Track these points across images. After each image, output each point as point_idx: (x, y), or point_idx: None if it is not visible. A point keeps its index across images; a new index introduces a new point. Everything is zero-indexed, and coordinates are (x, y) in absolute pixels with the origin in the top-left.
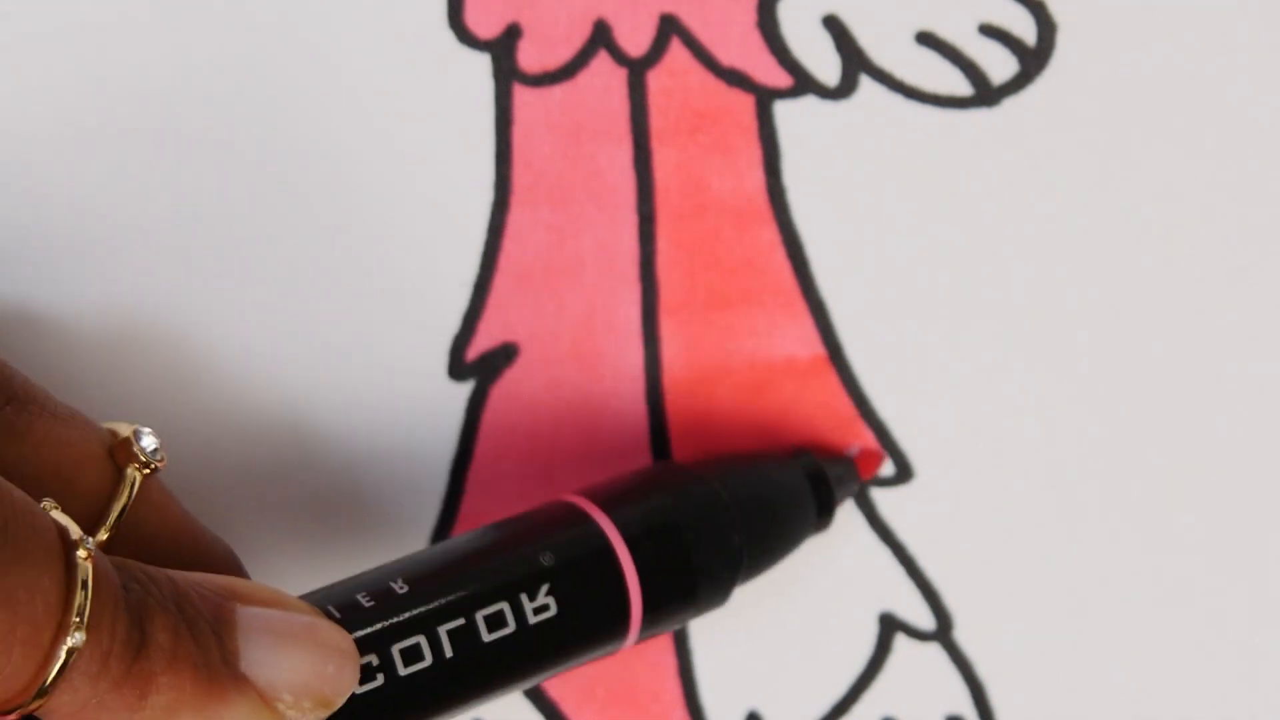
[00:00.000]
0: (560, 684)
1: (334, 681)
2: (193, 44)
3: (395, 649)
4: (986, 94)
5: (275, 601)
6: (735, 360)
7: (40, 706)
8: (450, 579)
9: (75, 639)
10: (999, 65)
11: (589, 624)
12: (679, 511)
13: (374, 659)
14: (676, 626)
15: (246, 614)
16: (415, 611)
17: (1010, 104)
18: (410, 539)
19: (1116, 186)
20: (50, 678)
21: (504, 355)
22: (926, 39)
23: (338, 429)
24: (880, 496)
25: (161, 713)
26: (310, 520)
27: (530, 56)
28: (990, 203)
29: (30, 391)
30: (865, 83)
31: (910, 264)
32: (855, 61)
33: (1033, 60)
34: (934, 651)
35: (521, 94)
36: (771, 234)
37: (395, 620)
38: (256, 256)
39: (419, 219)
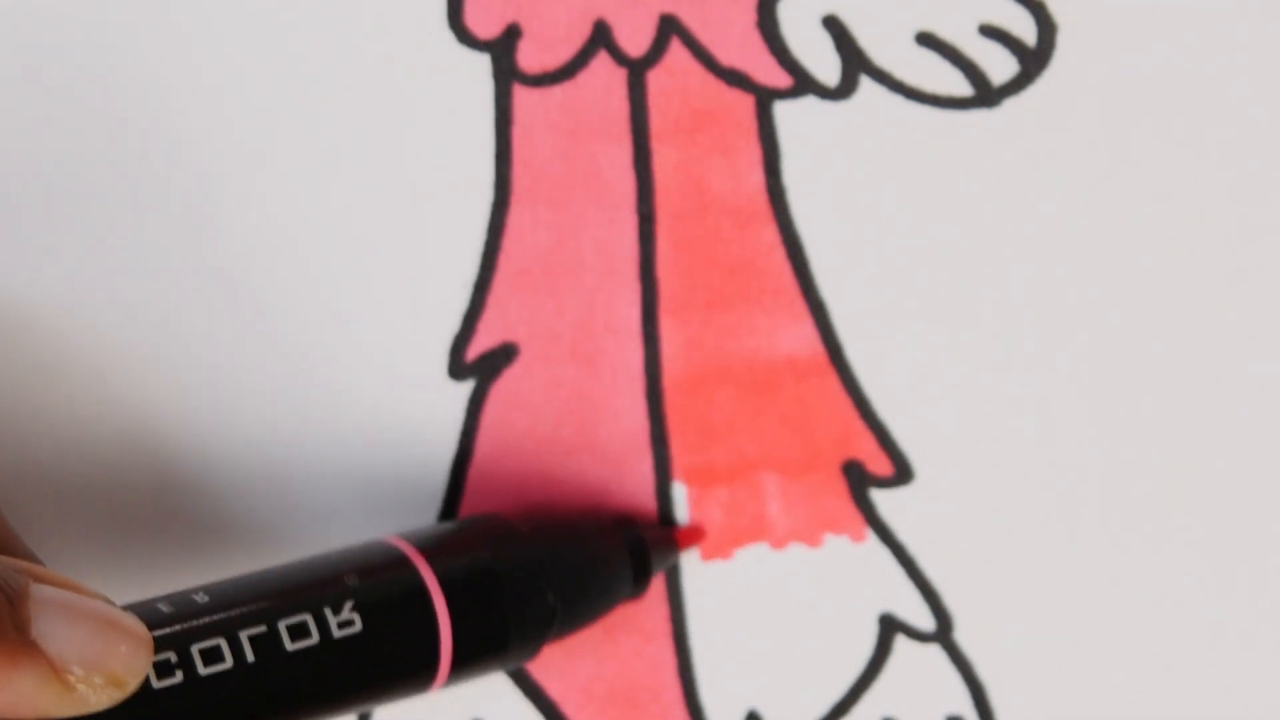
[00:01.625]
0: (560, 683)
1: (126, 661)
2: (190, 40)
3: (195, 648)
4: (987, 94)
5: (71, 585)
6: (735, 360)
7: None
8: (252, 591)
9: None
10: (999, 66)
11: (397, 650)
12: (497, 563)
13: (172, 655)
14: (485, 674)
15: (40, 589)
16: (215, 617)
17: (1011, 104)
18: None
19: (1117, 187)
20: None
21: (504, 355)
22: (926, 40)
23: (337, 429)
24: (880, 497)
25: None
26: (309, 520)
27: (530, 56)
28: (990, 203)
29: None
30: (865, 83)
31: (910, 264)
32: (855, 62)
33: (1033, 61)
34: (934, 652)
35: (521, 94)
36: (771, 234)
37: (194, 623)
38: (258, 255)
39: (419, 219)
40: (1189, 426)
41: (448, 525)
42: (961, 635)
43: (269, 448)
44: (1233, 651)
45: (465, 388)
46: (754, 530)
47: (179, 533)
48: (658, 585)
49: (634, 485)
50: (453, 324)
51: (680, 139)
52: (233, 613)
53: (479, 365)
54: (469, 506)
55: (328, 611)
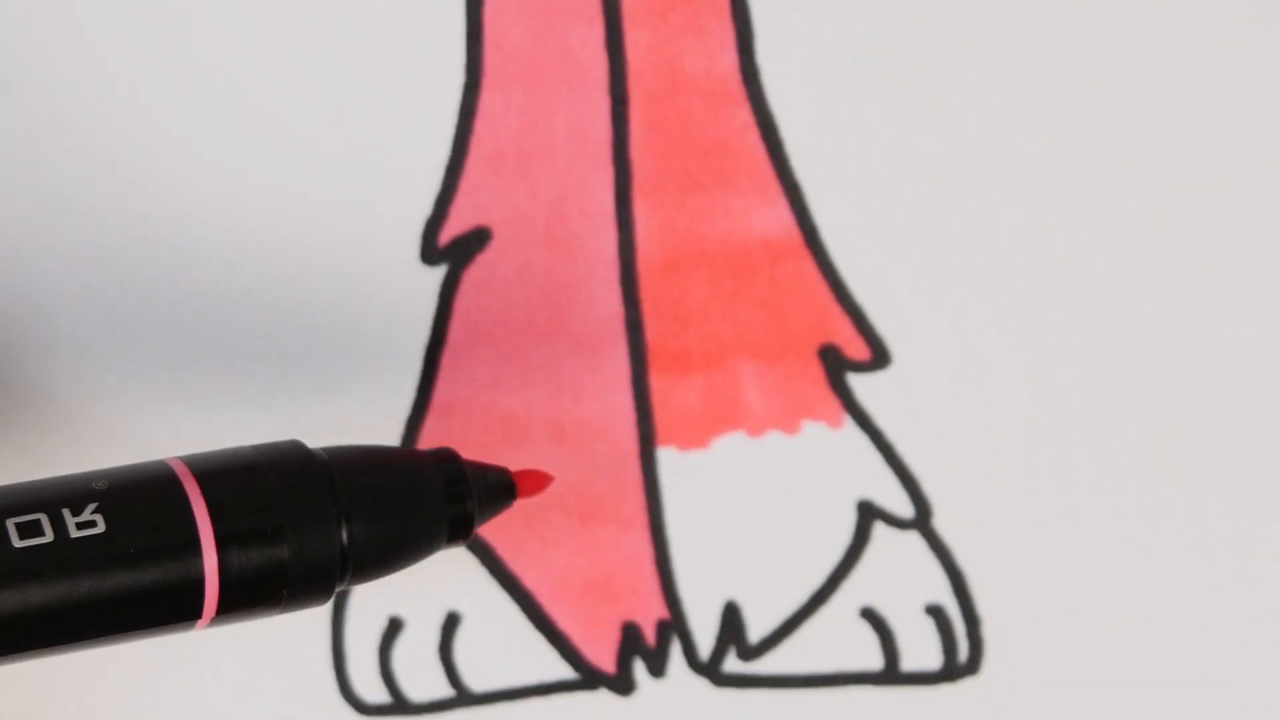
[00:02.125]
0: (536, 573)
1: None
2: None
3: None
4: None
5: None
6: (709, 243)
7: None
8: None
9: None
10: None
11: (155, 619)
12: (281, 493)
13: None
14: (262, 618)
15: None
16: None
17: None
18: (384, 425)
19: (1105, 83)
20: None
21: (476, 239)
22: None
23: (309, 314)
24: (857, 382)
25: None
26: (281, 406)
27: None
28: (971, 84)
29: None
30: None
31: (886, 144)
32: None
33: None
34: (913, 540)
35: None
36: (745, 115)
37: None
38: (226, 137)
39: (390, 102)
40: (1172, 314)
41: (236, 451)
42: (940, 522)
43: (238, 334)
44: (1215, 540)
45: (438, 272)
46: (730, 418)
47: (147, 414)
48: (633, 475)
49: (608, 371)
50: (425, 208)
51: (653, 19)
52: None
53: (451, 250)
54: (442, 391)
55: (66, 512)
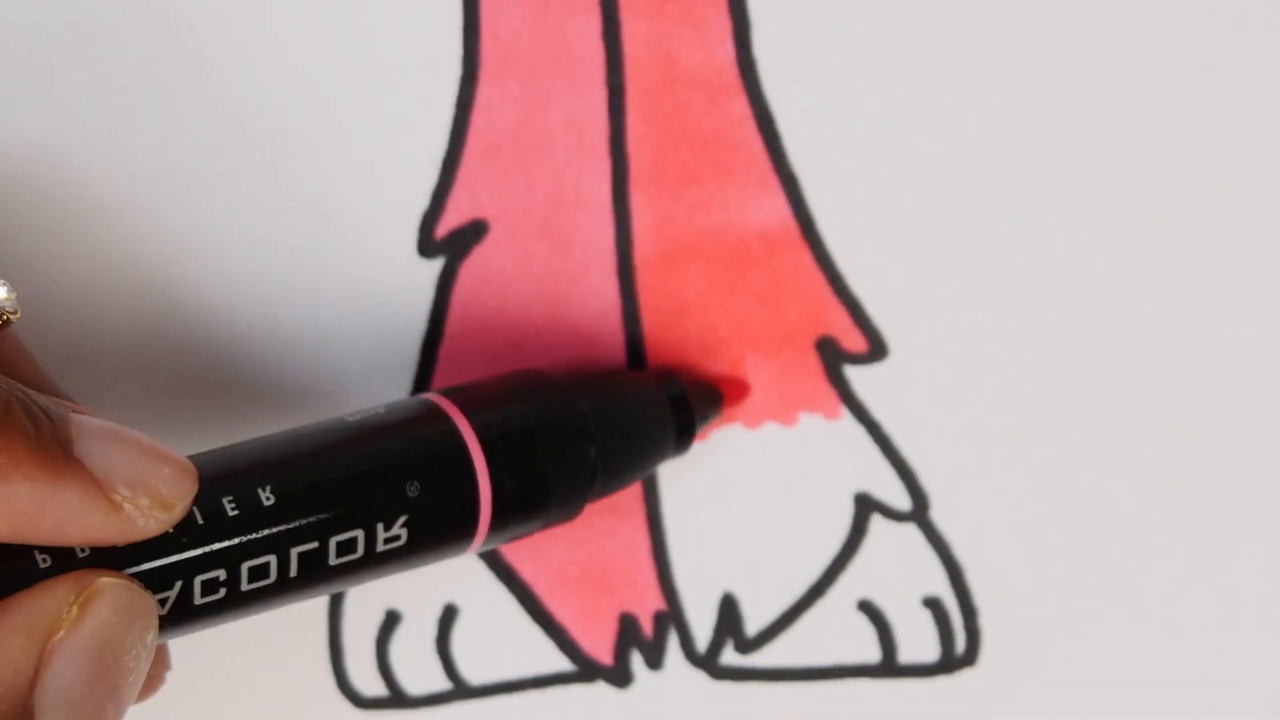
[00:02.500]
0: (533, 566)
1: (171, 484)
2: None
3: (246, 566)
4: None
5: (115, 424)
6: (706, 235)
7: None
8: (316, 496)
9: None
10: None
11: (435, 539)
12: (537, 419)
13: (222, 573)
14: (523, 535)
15: (82, 417)
16: (274, 530)
17: None
18: None
19: (1102, 76)
20: None
21: (473, 232)
22: None
23: (306, 306)
24: (854, 374)
25: None
26: (279, 398)
27: None
28: (967, 76)
29: None
30: None
31: (884, 138)
32: None
33: None
34: (910, 532)
35: None
36: (742, 107)
37: (254, 537)
38: (222, 131)
39: (387, 94)
40: (1170, 303)
41: (489, 383)
42: (938, 514)
43: (236, 327)
44: (1213, 529)
45: (435, 265)
46: (727, 410)
47: (146, 408)
48: None
49: (605, 363)
50: (422, 201)
51: (650, 11)
52: (291, 525)
53: (449, 242)
54: (439, 384)
55: (379, 528)
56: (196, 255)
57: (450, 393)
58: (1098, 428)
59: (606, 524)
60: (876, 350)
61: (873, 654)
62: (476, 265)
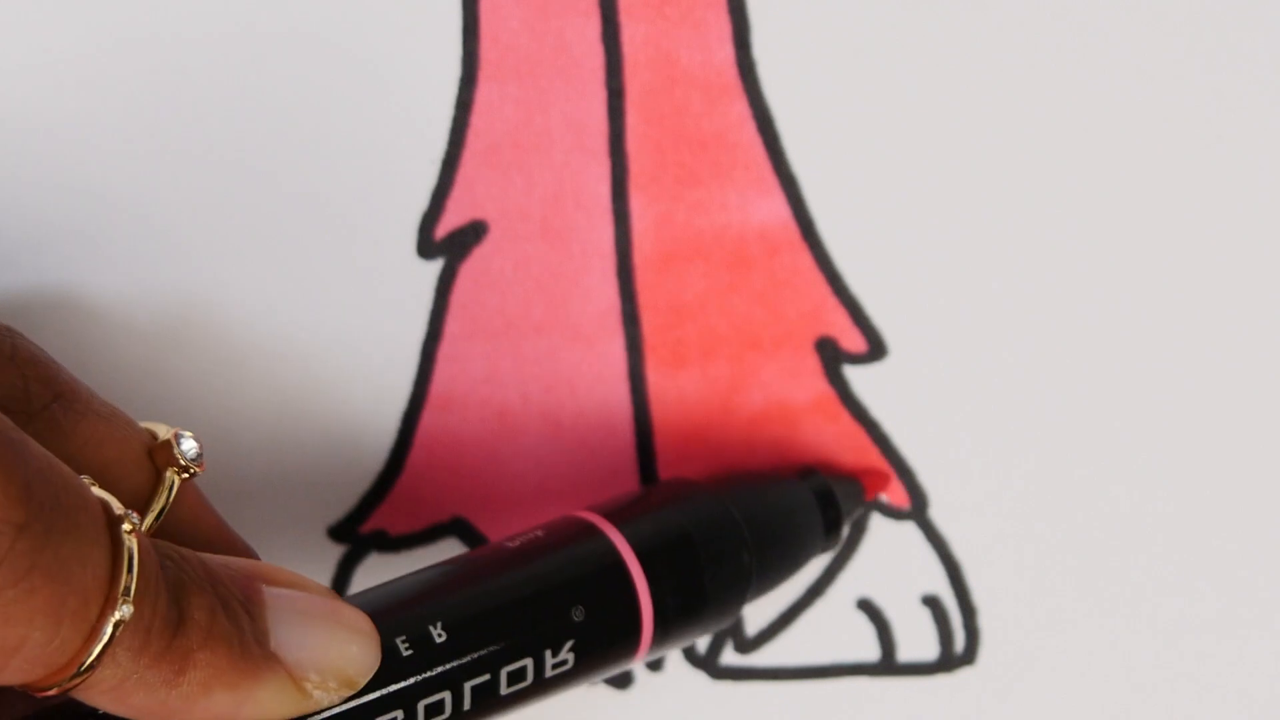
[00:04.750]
0: None
1: (357, 661)
2: None
3: (421, 704)
4: None
5: (298, 583)
6: (705, 235)
7: (83, 683)
8: (486, 630)
9: (123, 612)
10: None
11: (601, 660)
12: (694, 530)
13: (400, 715)
14: (685, 645)
15: (273, 594)
16: (447, 667)
17: None
18: (380, 418)
19: (1100, 74)
20: (96, 652)
21: (473, 233)
22: None
23: (306, 308)
24: (853, 374)
25: (198, 689)
26: (279, 399)
27: None
28: (966, 77)
29: (75, 389)
30: None
31: (883, 138)
32: None
33: None
34: (909, 530)
35: None
36: (742, 108)
37: (428, 675)
38: (222, 131)
39: (386, 96)
40: (1168, 301)
41: (637, 495)
42: (936, 513)
43: (238, 326)
44: (1207, 529)
45: (434, 266)
46: (726, 409)
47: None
48: (630, 467)
49: (605, 364)
50: (421, 202)
51: (649, 12)
52: (464, 661)
53: (448, 243)
54: (439, 385)
55: (548, 655)
56: (196, 255)
57: (602, 508)
58: (1097, 427)
59: None
60: (876, 350)
61: (872, 653)
62: (476, 266)
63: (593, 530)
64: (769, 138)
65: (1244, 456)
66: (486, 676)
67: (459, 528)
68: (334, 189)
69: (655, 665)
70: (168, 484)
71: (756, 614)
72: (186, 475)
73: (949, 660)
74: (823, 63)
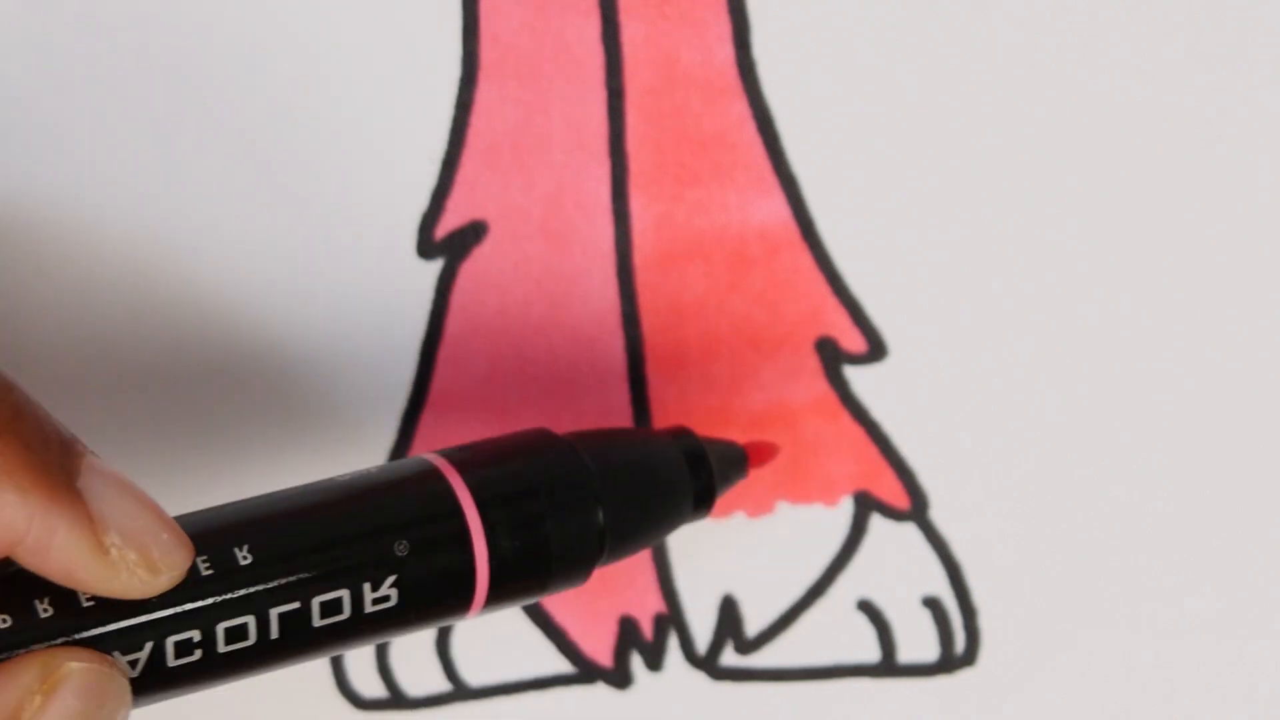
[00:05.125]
0: None
1: (165, 549)
2: None
3: (221, 627)
4: None
5: (127, 478)
6: (706, 236)
7: None
8: (295, 557)
9: None
10: None
11: (429, 602)
12: (537, 476)
13: (196, 634)
14: (527, 600)
15: (95, 458)
16: (251, 590)
17: None
18: (381, 419)
19: (1100, 74)
20: None
21: (473, 233)
22: None
23: (305, 308)
24: (853, 374)
25: None
26: (278, 401)
27: None
28: (966, 76)
29: None
30: None
31: (883, 138)
32: None
33: None
34: (910, 531)
35: None
36: (742, 108)
37: (229, 596)
38: (221, 132)
39: (386, 96)
40: (1169, 301)
41: (492, 443)
42: (937, 514)
43: (237, 326)
44: (1207, 527)
45: (434, 266)
46: (726, 409)
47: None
48: None
49: (605, 364)
50: (421, 202)
51: (649, 12)
52: (269, 585)
53: (448, 243)
54: (439, 386)
55: (366, 589)
56: (196, 256)
57: (447, 452)
58: (1097, 427)
59: None
60: (876, 350)
61: (872, 654)
62: (476, 266)
63: (431, 469)
64: (769, 138)
65: (1244, 456)
66: (296, 605)
67: None
68: (334, 189)
69: (655, 665)
70: None
71: (756, 614)
72: None
73: (949, 661)
74: (823, 63)
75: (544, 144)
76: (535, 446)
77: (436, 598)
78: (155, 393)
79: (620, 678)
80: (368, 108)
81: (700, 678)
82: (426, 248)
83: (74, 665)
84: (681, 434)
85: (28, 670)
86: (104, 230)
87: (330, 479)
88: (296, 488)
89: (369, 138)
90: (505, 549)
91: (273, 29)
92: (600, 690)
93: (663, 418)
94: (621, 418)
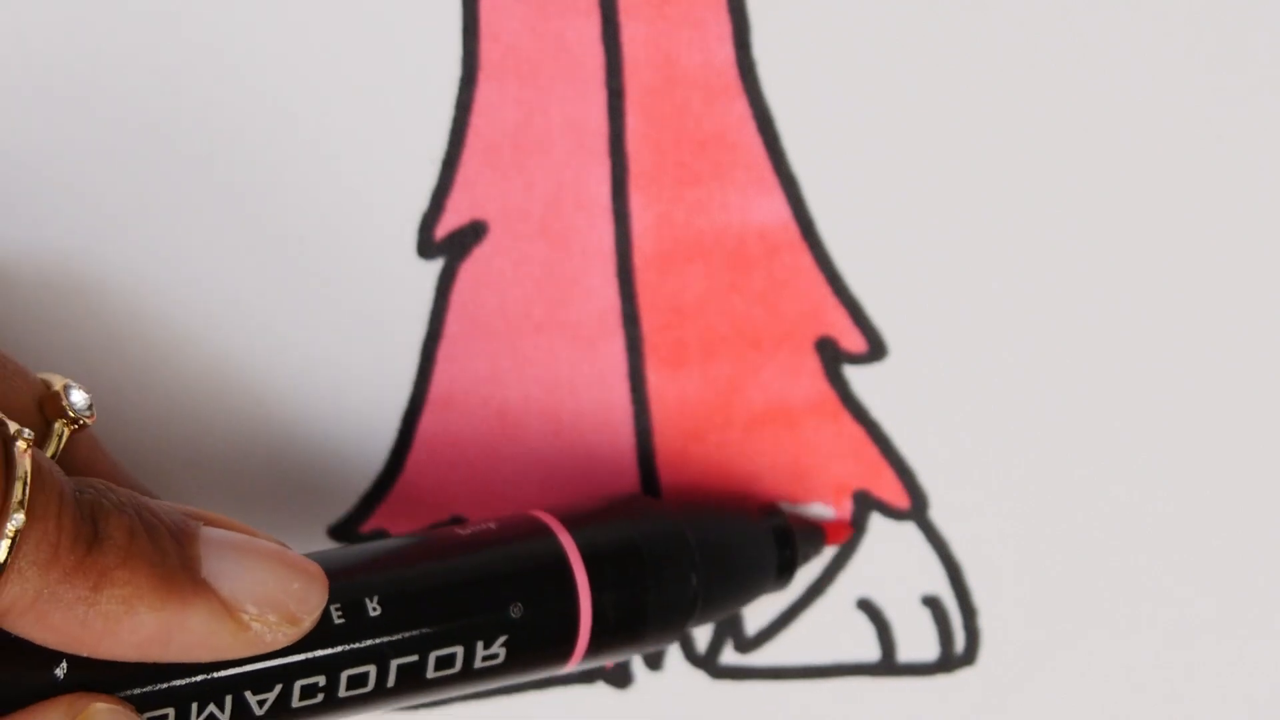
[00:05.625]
0: None
1: (300, 598)
2: None
3: (345, 674)
4: None
5: (242, 529)
6: (705, 235)
7: None
8: (421, 610)
9: (16, 520)
10: None
11: (532, 659)
12: (644, 545)
13: (322, 679)
14: (620, 659)
15: (210, 531)
16: (378, 641)
17: None
18: (381, 418)
19: (1099, 75)
20: None
21: (473, 233)
22: None
23: (306, 308)
24: (853, 374)
25: (119, 606)
26: (279, 399)
27: None
28: (966, 76)
29: None
30: None
31: (883, 138)
32: None
33: None
34: (909, 531)
35: None
36: (742, 108)
37: (356, 646)
38: (221, 131)
39: (386, 96)
40: (1167, 299)
41: (596, 503)
42: (937, 513)
43: (235, 328)
44: (1205, 524)
45: (434, 266)
46: (726, 410)
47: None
48: (630, 467)
49: (605, 364)
50: (421, 202)
51: (649, 12)
52: (394, 637)
53: (448, 243)
54: (439, 385)
55: (479, 645)
56: (196, 256)
57: (560, 513)
58: (1097, 427)
59: None
60: (876, 350)
61: (872, 653)
62: (476, 266)
63: (544, 529)
64: (769, 138)
65: (1244, 456)
66: (415, 657)
67: None
68: (334, 189)
69: (655, 664)
70: (55, 435)
71: (757, 613)
72: (76, 427)
73: (949, 661)
74: (823, 63)
75: (544, 144)
76: (640, 514)
77: (539, 655)
78: (155, 393)
79: (620, 677)
80: (368, 108)
81: (700, 676)
82: (426, 248)
83: (99, 706)
84: (771, 511)
85: (54, 709)
86: (100, 228)
87: (449, 531)
88: (420, 537)
89: (369, 138)
90: (608, 614)
91: (273, 30)
92: (600, 689)
93: (662, 417)
94: (621, 417)
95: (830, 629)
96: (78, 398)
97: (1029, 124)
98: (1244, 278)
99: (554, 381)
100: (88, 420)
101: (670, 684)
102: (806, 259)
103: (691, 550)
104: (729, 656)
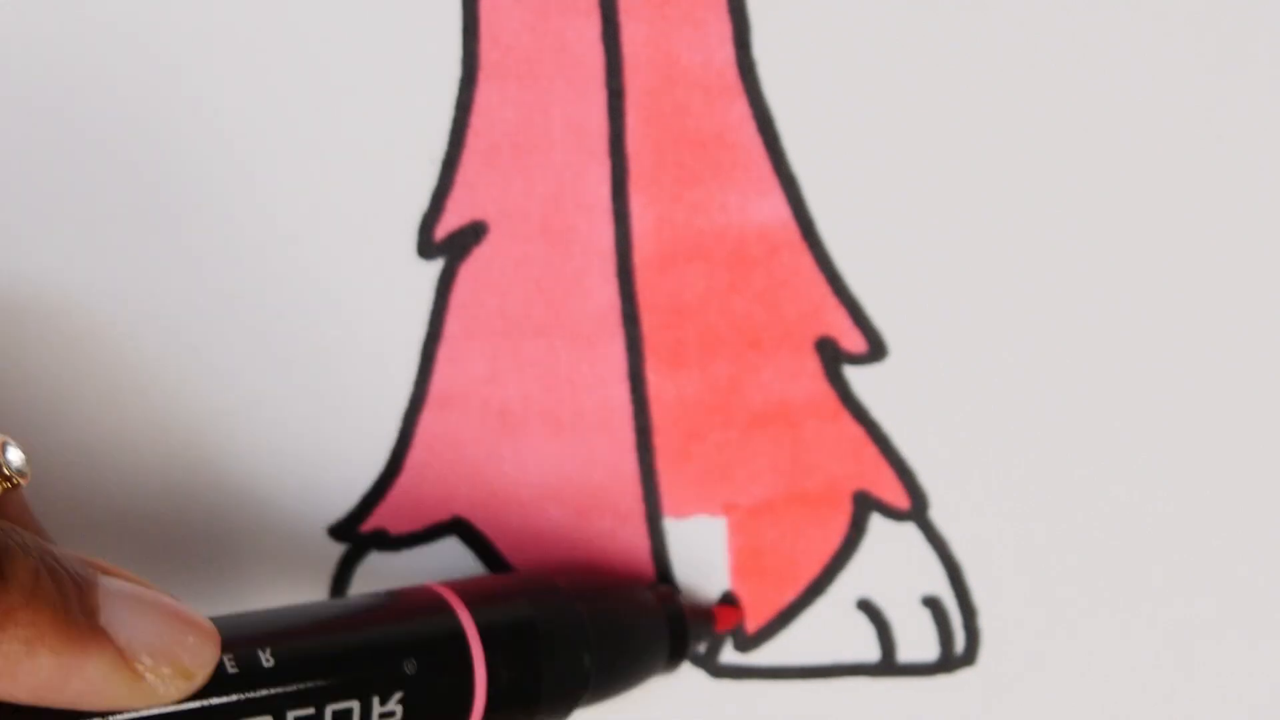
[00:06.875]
0: (534, 559)
1: (194, 652)
2: None
3: None
4: None
5: (138, 580)
6: (706, 236)
7: None
8: (314, 665)
9: None
10: None
11: (430, 705)
12: (538, 619)
13: None
14: None
15: (108, 581)
16: (272, 691)
17: None
18: (380, 418)
19: (1100, 75)
20: None
21: (473, 233)
22: None
23: (306, 308)
24: (853, 374)
25: (20, 647)
26: (278, 399)
27: None
28: (966, 77)
29: None
30: None
31: (883, 138)
32: None
33: None
34: (910, 531)
35: None
36: (742, 108)
37: (251, 695)
38: (221, 132)
39: (385, 96)
40: (1167, 300)
41: (493, 579)
42: (937, 514)
43: (235, 328)
44: (1206, 526)
45: (434, 267)
46: (726, 410)
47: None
48: (630, 467)
49: (605, 364)
50: (421, 202)
51: (649, 12)
52: (289, 689)
53: (448, 244)
54: (439, 386)
55: (375, 702)
56: (196, 255)
57: (453, 585)
58: (1097, 427)
59: (606, 524)
60: (876, 350)
61: (872, 653)
62: (476, 266)
63: (440, 601)
64: (769, 138)
65: (1244, 456)
66: (311, 710)
67: (459, 527)
68: (334, 189)
69: None
70: None
71: (756, 612)
72: (9, 485)
73: (949, 661)
74: (823, 63)
75: (544, 144)
76: (538, 591)
77: (436, 714)
78: (154, 393)
79: None
80: (368, 108)
81: (700, 675)
82: (426, 248)
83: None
84: (668, 597)
85: None
86: (98, 223)
87: (347, 599)
88: (320, 602)
89: (369, 138)
90: (503, 678)
91: (273, 30)
92: None
93: (662, 417)
94: (621, 417)
95: (830, 629)
96: (13, 456)
97: (1029, 124)
98: (1244, 278)
99: (554, 381)
100: (20, 481)
101: (670, 683)
102: (806, 259)
103: (585, 627)
104: (729, 656)
